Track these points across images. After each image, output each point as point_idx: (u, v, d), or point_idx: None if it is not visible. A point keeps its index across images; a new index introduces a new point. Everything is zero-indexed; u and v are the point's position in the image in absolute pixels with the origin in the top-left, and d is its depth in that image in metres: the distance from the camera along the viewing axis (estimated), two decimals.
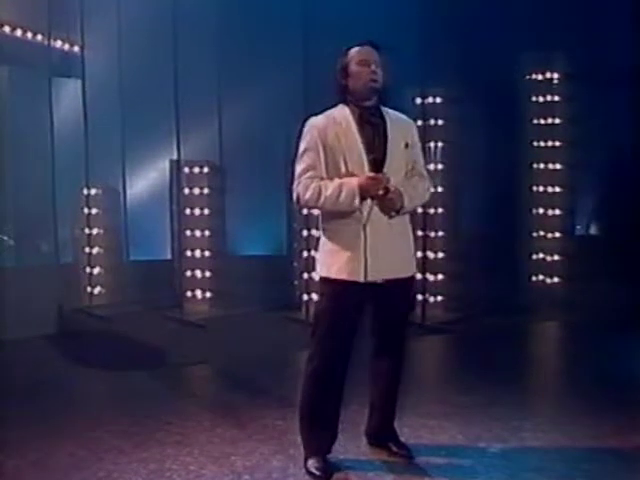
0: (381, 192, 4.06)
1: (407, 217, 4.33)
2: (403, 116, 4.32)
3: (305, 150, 4.15)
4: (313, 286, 8.04)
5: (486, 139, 8.69)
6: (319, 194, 4.08)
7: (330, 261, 4.20)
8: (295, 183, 4.18)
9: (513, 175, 9.32)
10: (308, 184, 4.10)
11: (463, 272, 8.59)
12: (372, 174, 4.06)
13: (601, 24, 9.04)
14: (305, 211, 8.33)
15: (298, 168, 4.17)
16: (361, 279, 4.12)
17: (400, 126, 4.18)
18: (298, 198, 4.16)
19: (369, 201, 4.10)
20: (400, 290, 4.27)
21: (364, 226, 4.12)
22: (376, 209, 4.12)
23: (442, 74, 8.33)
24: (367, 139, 4.12)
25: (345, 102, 4.20)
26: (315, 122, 4.18)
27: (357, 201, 4.04)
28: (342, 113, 4.18)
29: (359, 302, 4.21)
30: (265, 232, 10.32)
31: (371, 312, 4.33)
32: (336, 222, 4.18)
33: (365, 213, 4.11)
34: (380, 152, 4.13)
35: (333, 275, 4.17)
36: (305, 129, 4.19)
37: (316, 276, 4.44)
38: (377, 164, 4.11)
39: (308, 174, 4.12)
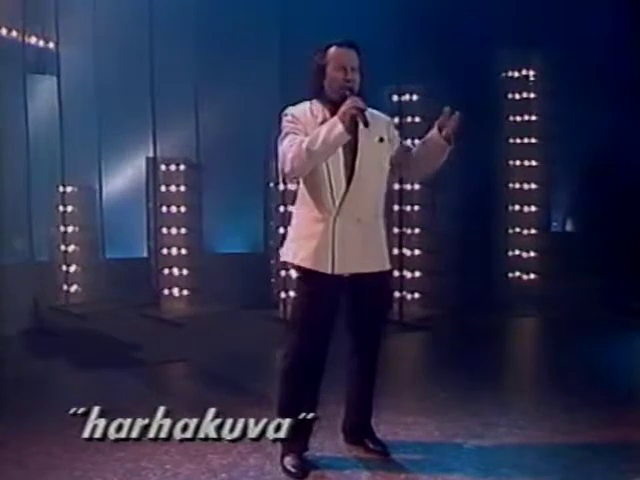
0: (355, 111, 3.97)
1: (381, 212, 4.33)
2: (378, 112, 4.31)
3: (287, 133, 4.13)
4: (290, 284, 8.03)
5: (462, 136, 8.71)
6: (300, 143, 4.02)
7: (296, 247, 4.23)
8: (281, 156, 4.14)
9: (489, 172, 9.36)
10: (291, 145, 4.06)
11: (440, 269, 8.62)
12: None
13: (577, 21, 9.08)
14: (282, 209, 8.33)
15: (284, 144, 4.12)
16: (328, 271, 4.13)
17: (373, 122, 4.12)
18: (284, 161, 4.09)
19: (341, 193, 4.11)
20: (371, 285, 4.27)
21: (334, 219, 4.14)
22: (347, 203, 4.13)
23: (418, 71, 8.34)
24: None
25: (319, 98, 4.21)
26: (295, 111, 4.19)
27: (340, 126, 3.95)
28: (317, 108, 4.19)
29: (332, 296, 4.21)
30: (242, 229, 10.32)
31: (345, 308, 4.34)
32: (308, 209, 4.19)
33: (336, 206, 4.13)
34: (351, 146, 4.12)
35: (297, 261, 4.21)
36: (286, 118, 4.18)
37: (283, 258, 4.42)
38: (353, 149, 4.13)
39: (291, 143, 4.08)
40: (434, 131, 4.25)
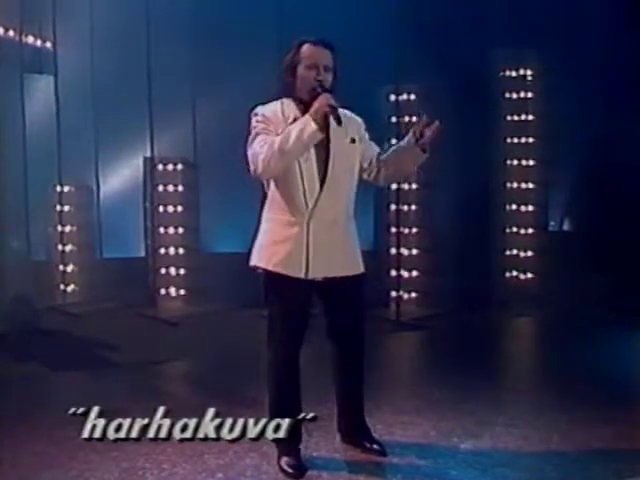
0: (328, 109, 3.92)
1: (352, 214, 4.28)
2: (351, 113, 4.22)
3: (258, 133, 4.04)
4: None
5: (459, 135, 8.71)
6: (272, 143, 3.94)
7: (269, 252, 4.14)
8: (251, 157, 4.04)
9: (487, 171, 9.35)
10: (262, 145, 3.98)
11: (437, 268, 8.62)
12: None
13: (575, 20, 9.07)
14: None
15: (254, 146, 4.03)
16: (301, 275, 4.08)
17: (346, 122, 4.06)
18: (256, 163, 3.98)
19: (315, 195, 4.05)
20: (346, 289, 4.22)
21: (308, 222, 4.08)
22: (320, 205, 4.06)
23: (416, 71, 8.34)
24: None
25: (290, 97, 4.13)
26: (265, 111, 4.10)
27: (313, 124, 3.90)
28: (289, 107, 4.11)
29: (305, 298, 4.17)
30: (239, 229, 10.27)
31: (323, 312, 4.31)
32: (280, 212, 4.12)
33: (310, 208, 4.07)
34: (324, 147, 4.06)
35: (271, 267, 4.12)
36: (256, 117, 4.09)
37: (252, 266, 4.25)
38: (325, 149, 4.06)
39: (262, 144, 4.00)
40: (410, 138, 4.17)
